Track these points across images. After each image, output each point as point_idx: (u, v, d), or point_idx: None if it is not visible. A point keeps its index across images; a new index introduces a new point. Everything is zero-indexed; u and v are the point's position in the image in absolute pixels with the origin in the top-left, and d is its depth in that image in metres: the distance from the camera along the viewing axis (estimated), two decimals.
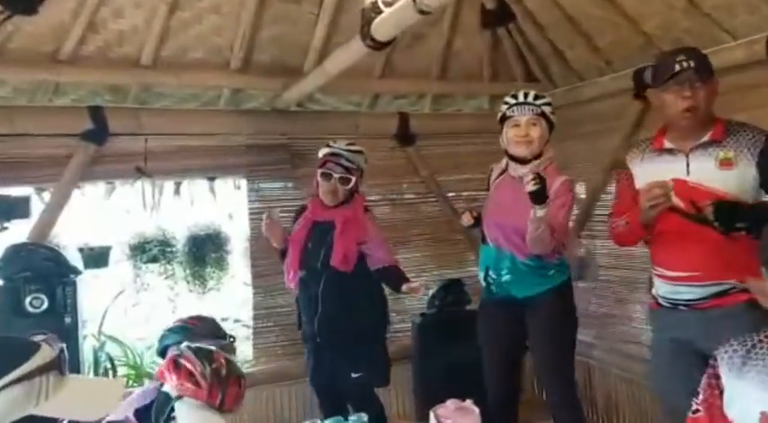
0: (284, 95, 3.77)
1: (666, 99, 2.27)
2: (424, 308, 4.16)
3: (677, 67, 2.19)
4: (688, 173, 2.27)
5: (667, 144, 2.36)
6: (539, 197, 2.50)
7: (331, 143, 3.16)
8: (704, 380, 1.55)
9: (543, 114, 2.76)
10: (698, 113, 2.23)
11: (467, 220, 3.00)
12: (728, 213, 2.11)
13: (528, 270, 2.80)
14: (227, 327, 5.49)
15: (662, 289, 2.39)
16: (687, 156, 2.29)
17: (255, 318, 4.02)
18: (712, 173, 2.23)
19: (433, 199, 4.48)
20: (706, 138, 2.28)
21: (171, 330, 2.60)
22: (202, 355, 1.92)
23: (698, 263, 2.24)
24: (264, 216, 3.15)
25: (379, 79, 4.08)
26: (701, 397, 1.55)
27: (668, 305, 2.36)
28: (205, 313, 2.90)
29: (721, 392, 1.49)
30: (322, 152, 3.15)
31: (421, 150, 4.39)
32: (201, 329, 2.58)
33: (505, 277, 2.83)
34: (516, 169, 2.82)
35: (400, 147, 4.33)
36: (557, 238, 2.65)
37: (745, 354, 1.48)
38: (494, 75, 4.35)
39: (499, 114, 2.86)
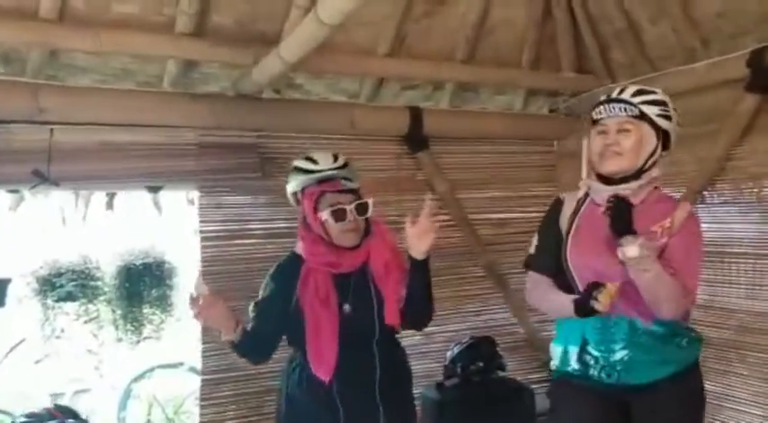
0: (254, 74, 2.83)
1: None
2: (439, 374, 3.27)
3: None
4: None
5: None
6: (619, 225, 1.87)
7: (304, 165, 2.08)
8: None
9: (644, 116, 1.96)
10: None
11: None
12: None
13: (653, 343, 1.98)
14: (177, 378, 4.65)
15: None
16: None
17: (204, 386, 3.04)
18: None
19: (451, 222, 3.59)
20: None
21: None
22: None
23: None
24: (188, 296, 2.01)
25: (384, 59, 3.19)
26: None
27: None
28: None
29: None
30: (302, 182, 2.07)
31: (436, 158, 3.57)
32: None
33: (620, 354, 1.97)
34: (599, 192, 2.01)
35: (409, 153, 3.51)
36: (690, 291, 1.97)
37: None
38: (535, 61, 3.49)
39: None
